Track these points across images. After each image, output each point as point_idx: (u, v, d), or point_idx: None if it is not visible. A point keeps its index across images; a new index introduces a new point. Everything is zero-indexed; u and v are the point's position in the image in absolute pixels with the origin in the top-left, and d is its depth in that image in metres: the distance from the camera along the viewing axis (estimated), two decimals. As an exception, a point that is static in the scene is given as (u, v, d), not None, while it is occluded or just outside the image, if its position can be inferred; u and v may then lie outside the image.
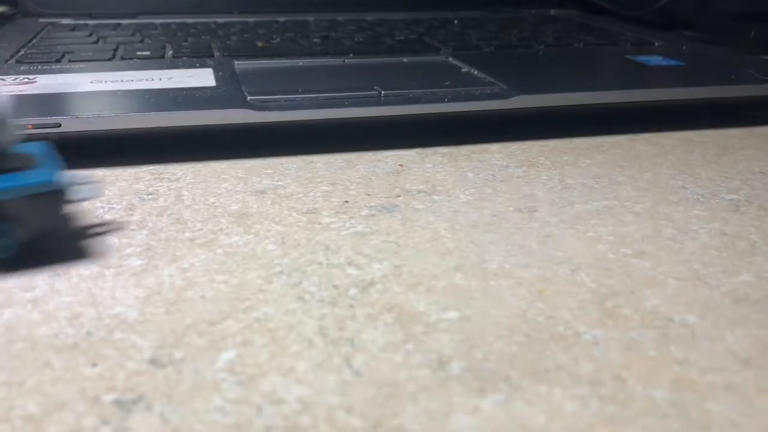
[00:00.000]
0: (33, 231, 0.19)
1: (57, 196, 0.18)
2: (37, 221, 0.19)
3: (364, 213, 0.23)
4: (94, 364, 0.15)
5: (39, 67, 0.33)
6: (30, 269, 0.19)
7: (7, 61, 0.34)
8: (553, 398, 0.14)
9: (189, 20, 0.49)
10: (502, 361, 0.15)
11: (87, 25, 0.47)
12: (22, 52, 0.37)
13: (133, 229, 0.21)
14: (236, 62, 0.35)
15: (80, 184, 0.19)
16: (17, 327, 0.16)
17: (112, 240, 0.21)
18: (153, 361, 0.15)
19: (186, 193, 0.24)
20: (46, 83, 0.30)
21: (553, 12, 0.60)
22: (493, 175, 0.27)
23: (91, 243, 0.20)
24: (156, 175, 0.26)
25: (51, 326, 0.16)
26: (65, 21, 0.48)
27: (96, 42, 0.40)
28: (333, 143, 0.29)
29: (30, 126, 0.25)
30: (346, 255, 0.20)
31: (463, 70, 0.35)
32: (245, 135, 0.28)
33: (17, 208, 0.18)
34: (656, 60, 0.38)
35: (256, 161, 0.27)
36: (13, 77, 0.30)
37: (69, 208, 0.19)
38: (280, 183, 0.25)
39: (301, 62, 0.36)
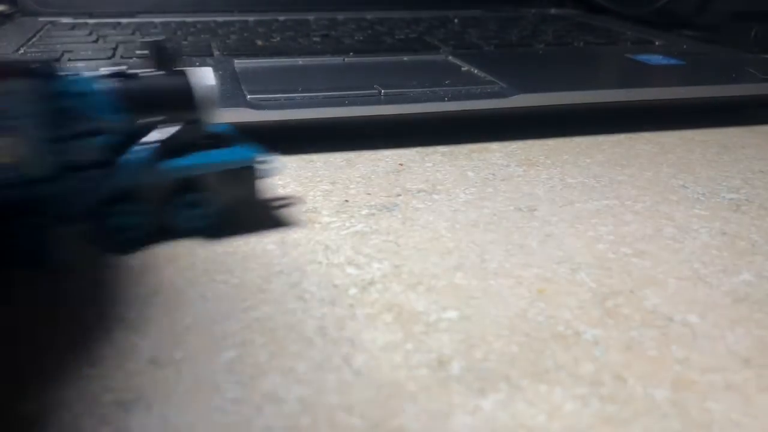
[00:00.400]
0: (230, 201, 0.21)
1: (253, 171, 0.21)
2: (234, 193, 0.21)
3: (364, 212, 0.23)
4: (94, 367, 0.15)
5: (38, 66, 0.33)
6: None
7: (6, 60, 0.34)
8: (553, 398, 0.14)
9: (189, 19, 0.49)
10: (502, 361, 0.15)
11: (87, 24, 0.47)
12: (22, 51, 0.37)
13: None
14: (236, 61, 0.35)
15: (267, 161, 0.21)
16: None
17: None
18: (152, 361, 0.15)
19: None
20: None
21: (553, 11, 0.60)
22: (493, 174, 0.26)
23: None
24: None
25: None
26: (65, 20, 0.48)
27: (96, 41, 0.40)
28: (333, 142, 0.29)
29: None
30: (346, 254, 0.20)
31: (463, 68, 0.35)
32: (244, 134, 0.28)
33: (220, 181, 0.21)
34: (656, 59, 0.38)
35: (256, 160, 0.27)
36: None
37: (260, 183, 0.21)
38: (279, 182, 0.25)
39: (300, 61, 0.36)
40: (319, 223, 0.22)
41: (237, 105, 0.27)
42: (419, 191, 0.25)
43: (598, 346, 0.16)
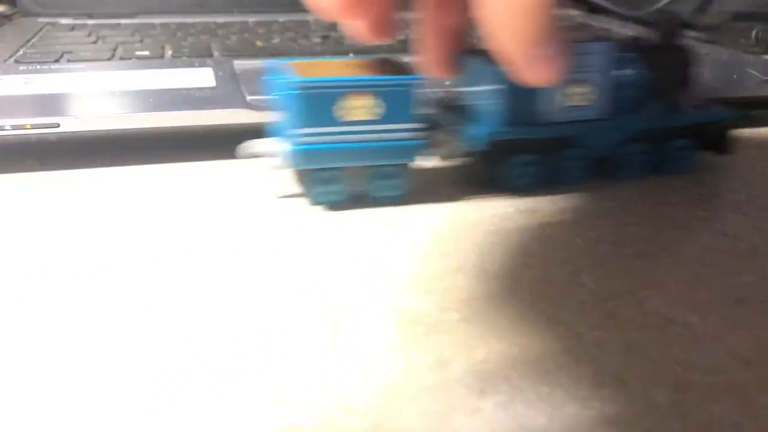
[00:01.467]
0: (708, 149, 0.27)
1: (729, 127, 0.26)
2: (713, 142, 0.27)
3: (364, 211, 0.23)
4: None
5: (38, 67, 0.33)
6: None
7: (5, 60, 0.34)
8: (554, 399, 0.14)
9: (188, 20, 0.49)
10: (502, 362, 0.15)
11: (86, 24, 0.47)
12: (21, 51, 0.37)
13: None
14: (236, 62, 0.35)
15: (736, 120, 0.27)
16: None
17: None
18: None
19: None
20: (45, 83, 0.30)
21: (553, 11, 0.60)
22: (493, 175, 0.26)
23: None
24: (158, 175, 0.26)
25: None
26: (64, 21, 0.48)
27: (95, 42, 0.40)
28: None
29: (28, 126, 0.25)
30: (347, 254, 0.20)
31: (463, 69, 0.35)
32: (245, 135, 0.28)
33: (703, 133, 0.26)
34: (657, 59, 0.38)
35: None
36: (12, 77, 0.30)
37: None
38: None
39: (301, 62, 0.36)
40: (320, 222, 0.22)
41: (237, 106, 0.27)
42: (420, 192, 0.25)
43: (599, 347, 0.16)
